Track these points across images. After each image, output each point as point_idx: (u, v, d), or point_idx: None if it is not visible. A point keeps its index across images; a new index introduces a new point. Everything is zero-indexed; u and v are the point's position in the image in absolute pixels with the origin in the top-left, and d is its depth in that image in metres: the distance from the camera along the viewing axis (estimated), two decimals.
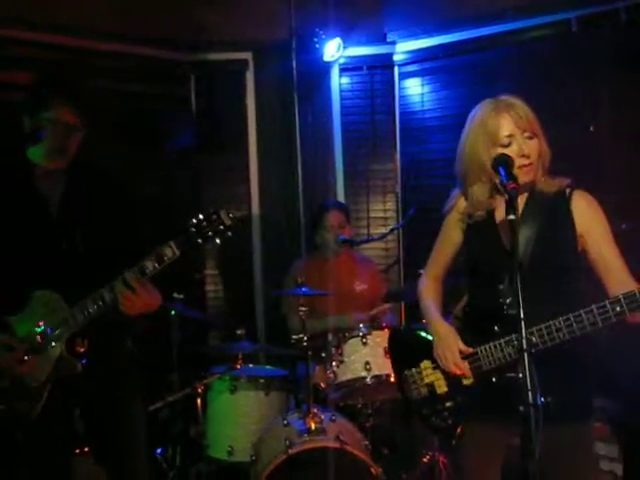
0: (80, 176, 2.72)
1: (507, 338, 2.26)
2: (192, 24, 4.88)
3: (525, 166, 2.26)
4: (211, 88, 5.11)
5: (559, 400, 2.08)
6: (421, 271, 3.87)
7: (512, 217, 1.96)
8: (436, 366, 2.46)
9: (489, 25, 4.54)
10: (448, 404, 2.43)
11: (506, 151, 2.24)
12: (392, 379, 3.53)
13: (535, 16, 4.34)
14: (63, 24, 4.30)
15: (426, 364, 2.50)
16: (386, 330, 3.66)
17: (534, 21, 4.36)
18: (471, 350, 2.36)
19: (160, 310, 2.67)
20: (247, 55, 5.13)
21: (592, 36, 4.15)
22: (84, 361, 2.60)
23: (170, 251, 2.47)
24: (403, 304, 4.94)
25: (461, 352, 2.38)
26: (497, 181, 2.28)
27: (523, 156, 2.26)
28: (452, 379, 2.42)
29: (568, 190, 2.32)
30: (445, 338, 2.42)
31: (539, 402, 1.77)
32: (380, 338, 3.60)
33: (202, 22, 4.90)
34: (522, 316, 1.85)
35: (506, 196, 2.02)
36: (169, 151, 4.90)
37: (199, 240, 2.46)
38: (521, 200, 2.34)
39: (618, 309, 2.05)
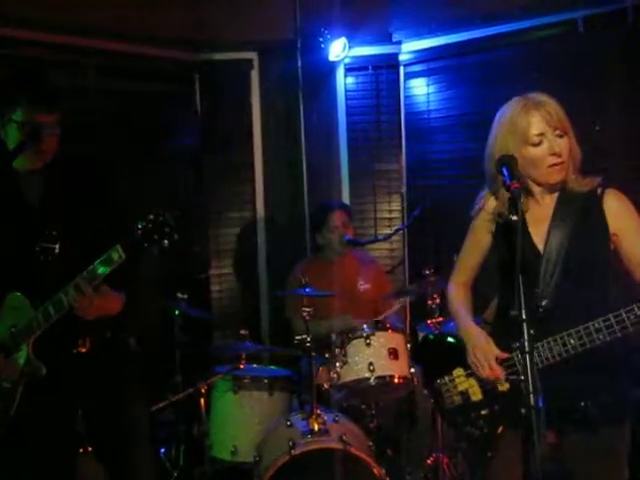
0: (58, 175, 2.65)
1: (544, 342, 2.19)
2: (197, 24, 4.88)
3: (556, 165, 2.23)
4: (216, 88, 5.10)
5: (595, 404, 2.03)
6: (426, 271, 3.93)
7: (515, 218, 1.94)
8: (469, 373, 2.40)
9: (495, 25, 4.51)
10: (483, 412, 2.36)
11: (537, 150, 2.22)
12: (396, 380, 3.53)
13: (541, 16, 4.31)
14: (66, 24, 4.30)
15: (459, 372, 2.43)
16: (390, 331, 3.65)
17: (540, 21, 4.33)
18: (506, 355, 2.29)
19: (163, 310, 2.67)
20: (252, 55, 5.13)
21: (598, 36, 4.13)
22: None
23: (117, 254, 2.43)
24: (408, 304, 4.93)
25: (496, 358, 2.31)
26: (530, 181, 2.27)
27: (554, 154, 2.22)
28: (487, 386, 2.35)
29: (600, 189, 2.28)
30: (479, 343, 2.35)
31: (540, 405, 1.74)
32: (384, 339, 3.59)
33: (207, 22, 4.90)
34: (524, 317, 1.83)
35: (509, 196, 2.00)
36: (174, 151, 4.90)
37: (145, 243, 2.42)
38: (552, 199, 2.32)
39: None
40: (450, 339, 2.55)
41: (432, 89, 4.97)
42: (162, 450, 4.11)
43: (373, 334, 3.60)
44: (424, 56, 4.95)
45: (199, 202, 5.09)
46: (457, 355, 2.43)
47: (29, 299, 2.57)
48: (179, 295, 3.98)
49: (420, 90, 5.02)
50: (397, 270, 5.14)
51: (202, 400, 3.87)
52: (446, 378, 2.47)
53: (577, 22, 4.17)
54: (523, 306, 1.84)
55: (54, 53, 4.34)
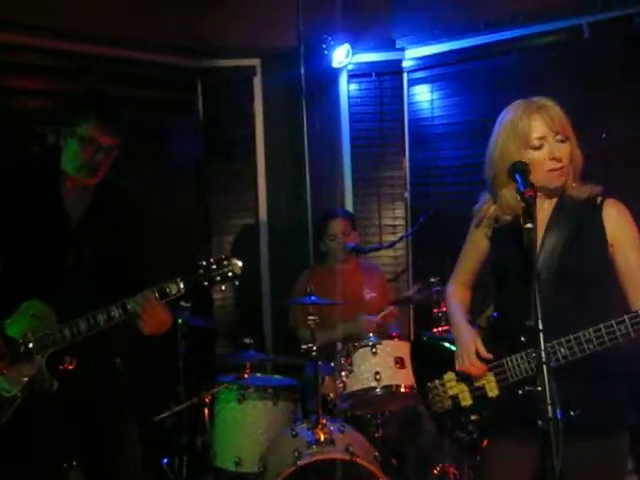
0: (106, 197, 2.71)
1: (533, 349, 2.14)
2: (200, 30, 4.86)
3: (556, 170, 2.21)
4: (218, 95, 5.09)
5: (587, 413, 2.01)
6: (432, 279, 3.90)
7: (529, 225, 1.93)
8: (460, 378, 2.39)
9: (499, 31, 4.50)
10: (473, 417, 2.35)
11: (537, 154, 2.20)
12: (402, 389, 3.50)
13: (546, 22, 4.30)
14: (67, 30, 4.28)
15: (450, 376, 2.42)
16: (396, 340, 3.62)
17: (545, 27, 4.32)
18: (491, 357, 2.30)
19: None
20: (255, 62, 5.11)
21: (603, 42, 4.11)
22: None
23: (175, 288, 2.52)
24: (412, 310, 4.91)
25: (481, 357, 2.32)
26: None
27: (554, 159, 2.20)
28: (477, 391, 2.34)
29: (599, 198, 2.26)
30: (464, 339, 2.37)
31: (559, 416, 1.71)
32: (390, 348, 3.56)
33: (210, 28, 4.88)
34: (540, 327, 1.81)
35: (523, 204, 1.97)
36: (175, 158, 4.87)
37: (205, 282, 2.52)
38: (550, 205, 2.30)
39: None
40: (444, 342, 2.53)
41: (436, 96, 4.95)
42: (165, 460, 4.07)
43: (379, 343, 3.57)
44: (428, 62, 4.93)
45: (201, 208, 5.06)
46: (449, 359, 2.42)
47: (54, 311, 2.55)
48: (182, 304, 3.95)
49: (424, 97, 5.01)
50: (401, 278, 5.11)
51: (206, 410, 3.84)
52: (437, 382, 2.46)
53: (582, 28, 4.16)
54: (540, 316, 1.81)
55: (54, 59, 4.33)
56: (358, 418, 3.78)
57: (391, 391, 3.49)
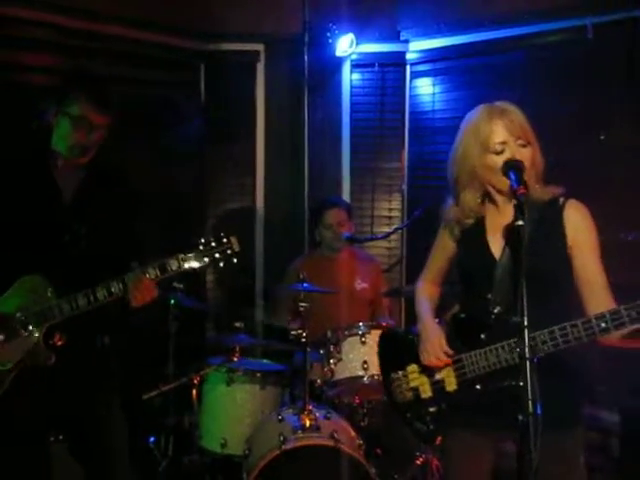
0: (97, 175, 2.74)
1: (492, 347, 2.24)
2: (205, 13, 4.85)
3: None
4: (221, 78, 5.09)
5: (544, 410, 2.04)
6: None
7: (520, 223, 1.94)
8: (422, 370, 2.45)
9: (504, 28, 4.50)
10: (431, 409, 2.41)
11: (498, 158, 2.22)
12: None
13: (550, 21, 4.30)
14: (73, 7, 4.27)
15: (413, 368, 2.48)
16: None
17: (549, 26, 4.31)
18: (452, 352, 2.35)
19: (158, 300, 2.67)
20: (259, 47, 5.12)
21: (607, 43, 4.11)
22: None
23: (176, 264, 2.57)
24: (404, 303, 4.93)
25: (445, 353, 2.38)
26: (492, 188, 2.28)
27: None
28: (436, 384, 2.40)
29: (561, 199, 2.28)
30: (431, 335, 2.42)
31: (539, 411, 1.75)
32: (379, 337, 3.57)
33: (215, 11, 4.88)
34: (526, 324, 1.83)
35: (515, 201, 2.00)
36: (176, 139, 4.88)
37: (205, 259, 2.58)
38: (512, 208, 2.28)
39: (603, 325, 2.02)
40: (410, 335, 2.58)
41: (438, 89, 4.95)
42: (151, 439, 4.09)
43: (369, 332, 3.60)
44: (431, 56, 4.93)
45: (199, 192, 5.07)
46: (414, 352, 2.47)
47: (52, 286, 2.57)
48: (175, 284, 3.96)
49: (426, 90, 5.01)
50: (394, 269, 5.13)
51: (194, 391, 3.87)
52: (400, 373, 2.51)
53: (586, 28, 4.16)
54: (525, 313, 1.84)
55: (60, 36, 4.31)
56: (345, 406, 3.80)
57: (378, 380, 3.50)
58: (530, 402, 1.77)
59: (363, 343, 3.57)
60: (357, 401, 3.74)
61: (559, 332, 2.08)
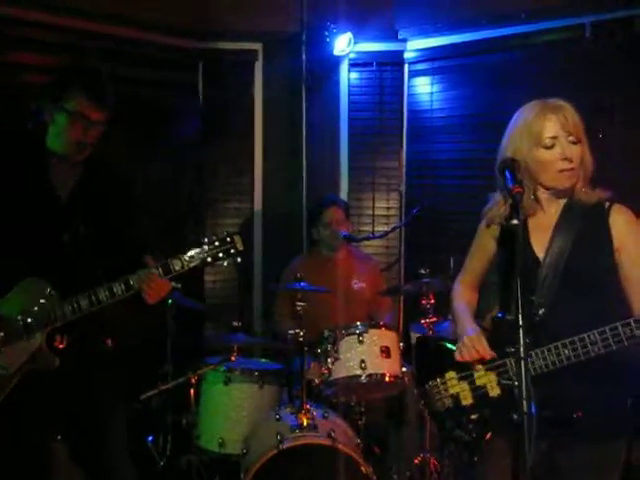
0: (94, 172, 2.70)
1: (537, 350, 2.18)
2: (203, 11, 4.85)
3: (567, 170, 2.22)
4: (219, 77, 5.08)
5: (589, 416, 2.01)
6: (422, 271, 3.92)
7: (515, 222, 1.93)
8: (461, 377, 2.38)
9: (502, 27, 4.50)
10: (473, 416, 2.34)
11: (549, 153, 2.20)
12: (387, 378, 3.53)
13: (549, 20, 4.30)
14: (70, 5, 4.27)
15: (451, 374, 2.41)
16: (383, 329, 3.64)
17: (547, 25, 4.31)
18: (494, 354, 2.29)
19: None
20: (257, 46, 5.11)
21: (605, 42, 4.12)
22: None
23: (179, 264, 2.58)
24: (402, 301, 4.93)
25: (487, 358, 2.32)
26: (540, 186, 2.26)
27: (565, 159, 2.21)
28: (478, 391, 2.34)
29: (607, 203, 2.27)
30: (471, 334, 2.34)
31: (533, 411, 1.74)
32: (376, 337, 3.58)
33: (213, 10, 4.87)
34: (521, 323, 1.82)
35: (510, 200, 1.99)
36: (174, 138, 4.88)
37: (209, 259, 2.59)
38: (558, 207, 2.31)
39: None
40: (447, 344, 2.50)
41: (436, 88, 4.94)
42: (150, 438, 4.10)
43: (366, 331, 3.59)
44: (429, 55, 4.93)
45: (197, 191, 5.07)
46: (450, 359, 2.41)
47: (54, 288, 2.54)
48: (173, 284, 3.95)
49: (424, 89, 5.00)
50: (392, 268, 5.13)
51: (192, 390, 3.86)
52: (438, 380, 2.44)
53: (584, 27, 4.16)
54: (520, 311, 1.82)
55: (56, 35, 4.31)
56: (342, 405, 3.80)
57: (376, 380, 3.51)
58: (524, 401, 1.75)
59: (361, 342, 3.56)
60: (355, 400, 3.74)
61: (610, 332, 2.06)
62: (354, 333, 3.60)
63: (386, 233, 4.92)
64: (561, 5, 4.26)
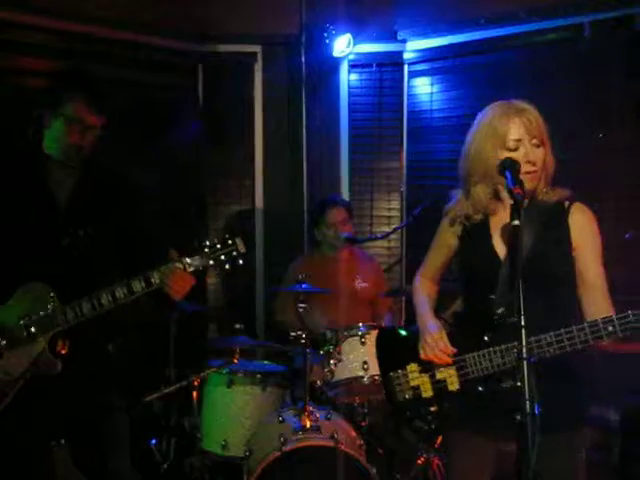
0: (92, 175, 2.70)
1: (496, 348, 2.24)
2: (202, 15, 4.86)
3: (529, 173, 2.23)
4: (219, 80, 5.09)
5: (550, 411, 2.04)
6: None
7: (517, 222, 1.94)
8: (422, 370, 2.44)
9: (501, 27, 4.51)
10: (432, 409, 2.41)
11: (512, 155, 2.22)
12: None
13: (547, 19, 4.30)
14: (69, 10, 4.28)
15: (412, 367, 2.47)
16: None
17: (546, 24, 4.32)
18: (455, 350, 2.34)
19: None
20: (256, 48, 5.12)
21: (604, 41, 4.12)
22: None
23: (181, 267, 2.55)
24: (404, 302, 4.93)
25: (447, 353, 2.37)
26: (501, 186, 2.27)
27: (529, 162, 2.23)
28: (438, 384, 2.40)
29: (567, 202, 2.30)
30: (430, 329, 2.41)
31: (537, 411, 1.75)
32: None
33: (212, 13, 4.88)
34: (523, 323, 1.83)
35: (511, 201, 1.99)
36: (174, 141, 4.88)
37: (211, 262, 2.57)
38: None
39: (610, 329, 2.04)
40: (408, 334, 2.58)
41: (436, 88, 4.95)
42: (153, 441, 4.10)
43: (368, 333, 3.59)
44: (429, 55, 4.94)
45: (198, 193, 5.08)
46: (413, 351, 2.47)
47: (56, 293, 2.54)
48: None
49: (423, 89, 5.01)
50: (394, 269, 5.13)
51: (195, 393, 3.87)
52: (399, 372, 2.50)
53: (583, 26, 4.17)
54: (522, 312, 1.84)
55: (55, 39, 4.32)
56: (345, 406, 3.81)
57: (378, 381, 3.50)
58: (528, 402, 1.76)
59: (363, 344, 3.57)
60: (357, 401, 3.75)
61: (566, 335, 2.09)
62: (356, 334, 3.60)
63: (388, 234, 4.91)
64: (560, 5, 4.26)
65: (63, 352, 2.56)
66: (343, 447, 3.15)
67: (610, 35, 4.10)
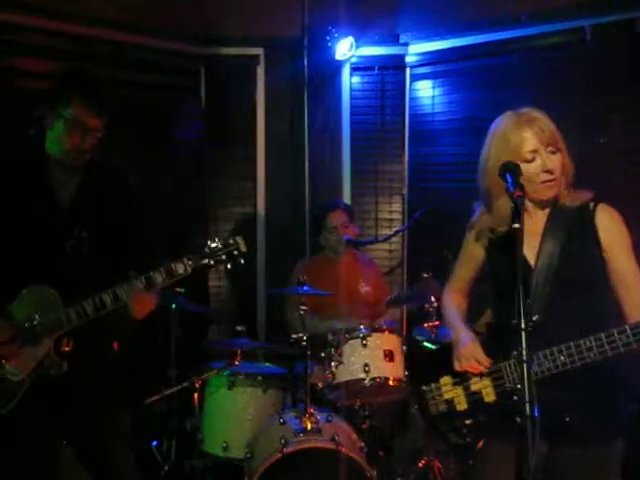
0: (95, 177, 2.71)
1: (533, 356, 2.17)
2: (205, 17, 4.87)
3: (549, 181, 2.23)
4: (222, 82, 5.10)
5: (584, 420, 2.02)
6: (424, 274, 3.93)
7: (517, 225, 1.93)
8: (456, 382, 2.41)
9: (502, 30, 4.51)
10: (467, 422, 2.38)
11: (530, 167, 2.21)
12: (390, 382, 3.53)
13: (549, 23, 4.31)
14: (72, 12, 4.29)
15: (446, 380, 2.44)
16: (386, 332, 3.64)
17: (548, 28, 4.33)
18: (490, 361, 2.32)
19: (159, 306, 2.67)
20: (259, 51, 5.13)
21: (606, 45, 4.12)
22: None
23: (182, 268, 2.55)
24: (405, 310, 4.93)
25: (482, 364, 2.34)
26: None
27: (547, 171, 2.22)
28: (473, 397, 2.37)
29: (592, 204, 2.28)
30: (465, 341, 2.38)
31: (536, 414, 1.74)
32: (380, 340, 3.59)
33: (215, 16, 4.90)
34: (523, 326, 1.83)
35: (512, 204, 1.99)
36: (176, 143, 4.89)
37: (212, 261, 2.58)
38: (544, 215, 2.32)
39: None
40: (441, 347, 2.57)
41: (438, 92, 4.96)
42: (154, 443, 4.10)
43: (370, 335, 3.59)
44: (431, 58, 4.95)
45: (200, 195, 5.09)
46: (446, 364, 2.44)
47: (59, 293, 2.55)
48: (176, 289, 3.97)
49: (425, 92, 5.02)
50: (395, 272, 5.14)
51: (196, 395, 3.88)
52: (432, 385, 2.47)
53: (585, 30, 4.17)
54: (523, 315, 1.83)
55: (58, 41, 4.32)
56: (346, 409, 3.80)
57: (379, 383, 3.52)
58: (528, 404, 1.76)
59: (364, 346, 3.57)
60: (358, 404, 3.75)
61: (606, 339, 2.06)
62: (358, 337, 3.60)
63: (389, 237, 4.91)
64: (561, 8, 4.26)
65: (67, 349, 2.57)
66: (344, 449, 3.15)
67: (611, 38, 4.10)
